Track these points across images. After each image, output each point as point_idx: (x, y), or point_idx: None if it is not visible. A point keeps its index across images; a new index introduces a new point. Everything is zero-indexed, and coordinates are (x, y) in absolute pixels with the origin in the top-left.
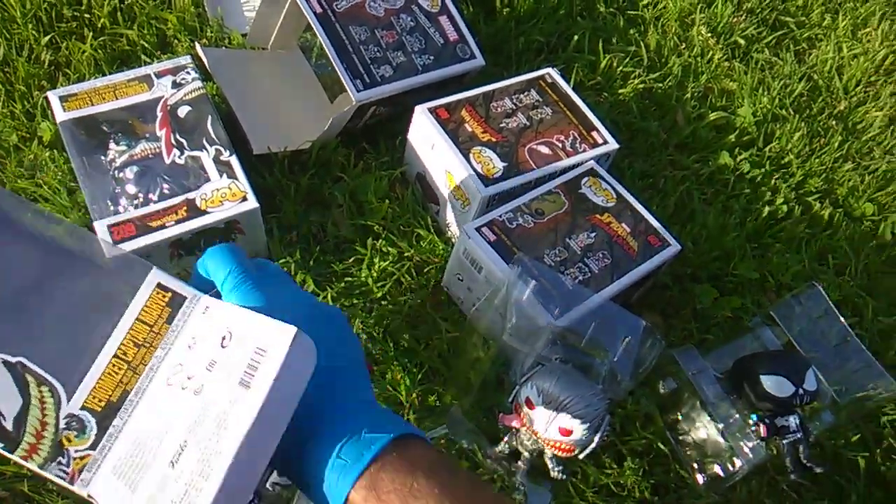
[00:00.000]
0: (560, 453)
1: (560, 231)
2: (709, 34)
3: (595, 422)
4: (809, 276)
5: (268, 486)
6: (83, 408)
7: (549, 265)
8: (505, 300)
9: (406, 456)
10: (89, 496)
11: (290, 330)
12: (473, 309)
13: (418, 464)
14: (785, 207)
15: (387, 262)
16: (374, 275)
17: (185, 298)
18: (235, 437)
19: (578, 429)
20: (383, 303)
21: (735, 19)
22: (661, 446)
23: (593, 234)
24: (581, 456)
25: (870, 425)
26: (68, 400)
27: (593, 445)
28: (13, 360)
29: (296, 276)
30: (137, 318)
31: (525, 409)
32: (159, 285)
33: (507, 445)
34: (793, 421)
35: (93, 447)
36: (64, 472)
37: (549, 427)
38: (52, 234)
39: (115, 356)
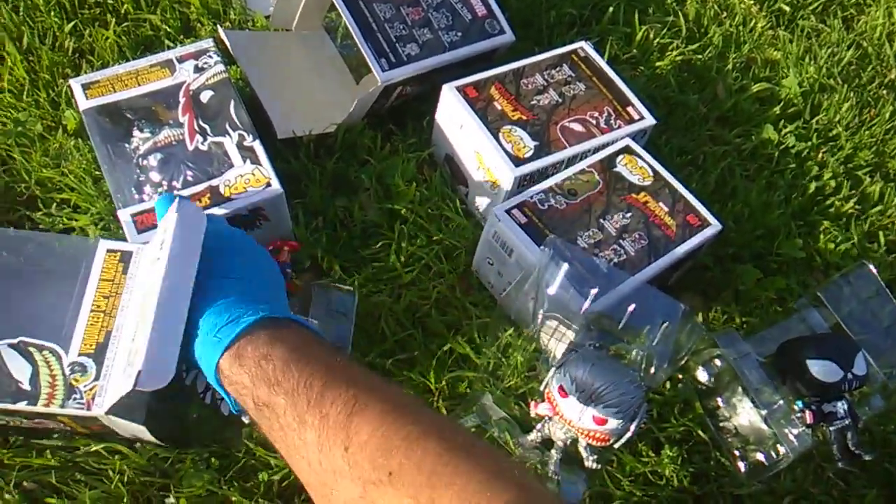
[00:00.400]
0: (594, 443)
1: (594, 212)
2: (751, 1)
3: (631, 410)
4: (859, 255)
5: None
6: (80, 354)
7: (583, 247)
8: (536, 285)
9: (272, 332)
10: (107, 413)
11: (175, 201)
12: (504, 294)
13: (281, 337)
14: (833, 183)
15: (415, 247)
16: (402, 259)
17: (131, 253)
18: (157, 281)
19: (613, 418)
20: (412, 288)
21: None
22: (701, 433)
23: (629, 215)
24: (617, 445)
25: None
26: (66, 353)
27: (629, 435)
28: (14, 341)
29: (322, 261)
30: (100, 279)
31: (558, 397)
32: (108, 250)
33: (539, 434)
34: (840, 407)
35: (97, 379)
36: (80, 404)
37: (583, 416)
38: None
39: (92, 310)
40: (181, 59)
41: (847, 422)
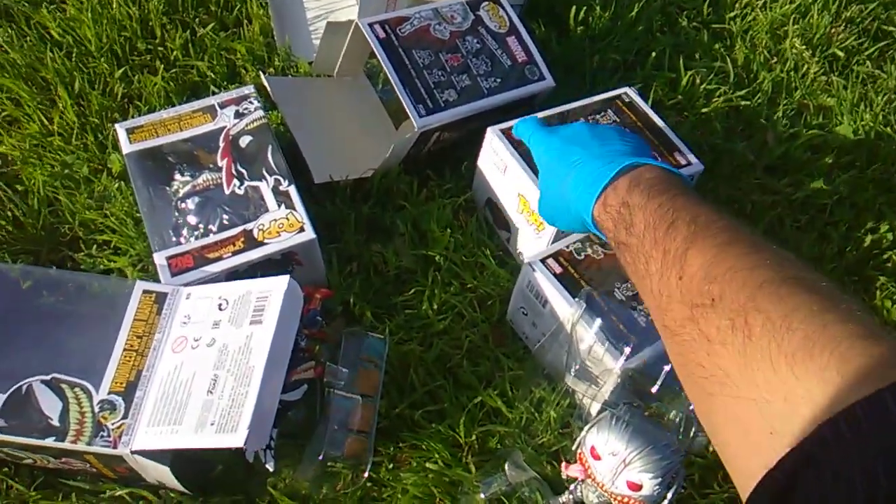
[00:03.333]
0: None
1: None
2: (803, 46)
3: (668, 476)
4: None
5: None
6: (110, 392)
7: (620, 300)
8: (569, 338)
9: (631, 180)
10: (132, 452)
11: (285, 278)
12: (538, 346)
13: (637, 183)
14: (890, 236)
15: (448, 294)
16: (435, 307)
17: (166, 294)
18: (262, 351)
19: (648, 483)
20: (443, 336)
21: (833, 30)
22: None
23: None
24: None
25: None
26: (97, 391)
27: (666, 503)
28: (48, 377)
29: (354, 307)
30: (134, 318)
31: (590, 458)
32: (144, 291)
33: (571, 496)
34: None
35: (125, 417)
36: (107, 441)
37: (617, 480)
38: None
39: (125, 349)
40: (223, 105)
41: None
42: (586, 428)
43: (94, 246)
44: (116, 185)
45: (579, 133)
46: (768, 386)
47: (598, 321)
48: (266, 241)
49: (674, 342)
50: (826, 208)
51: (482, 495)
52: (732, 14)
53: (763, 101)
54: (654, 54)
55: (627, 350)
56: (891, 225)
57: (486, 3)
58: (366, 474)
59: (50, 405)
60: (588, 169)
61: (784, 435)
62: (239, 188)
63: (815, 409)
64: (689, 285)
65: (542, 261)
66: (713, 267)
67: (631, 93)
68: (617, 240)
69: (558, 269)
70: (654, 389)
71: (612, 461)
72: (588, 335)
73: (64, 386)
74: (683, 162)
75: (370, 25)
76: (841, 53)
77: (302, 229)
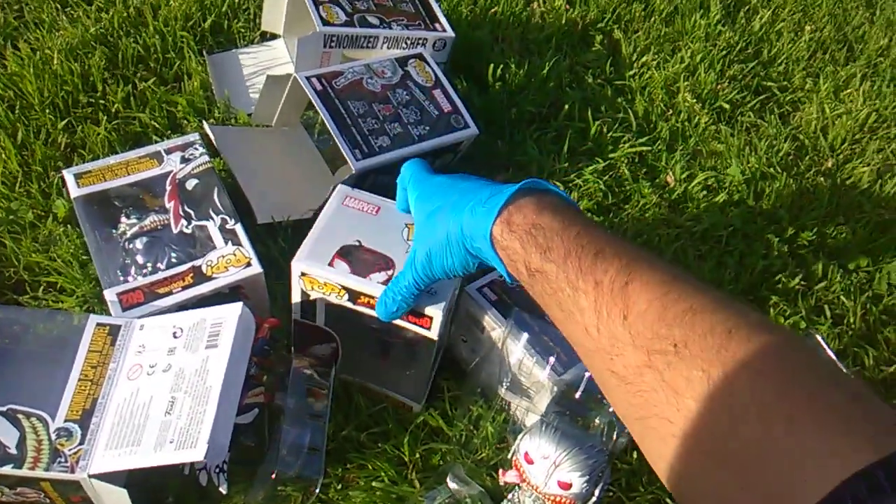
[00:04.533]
0: None
1: None
2: (694, 100)
3: (594, 475)
4: (807, 328)
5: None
6: (66, 420)
7: (549, 321)
8: (500, 355)
9: (538, 200)
10: (90, 475)
11: (238, 304)
12: (473, 364)
13: (547, 206)
14: (779, 261)
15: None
16: None
17: (120, 326)
18: (219, 371)
19: (577, 482)
20: None
21: (719, 86)
22: (669, 501)
23: None
24: None
25: None
26: (53, 419)
27: (594, 499)
28: (3, 408)
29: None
30: (88, 349)
31: (524, 463)
32: (98, 324)
33: (509, 503)
34: None
35: (81, 443)
36: (64, 467)
37: (549, 481)
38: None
39: (80, 379)
40: (169, 151)
41: None
42: (520, 436)
43: (41, 288)
44: (62, 230)
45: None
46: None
47: (525, 335)
48: (215, 275)
49: (626, 391)
50: (722, 239)
51: None
52: (631, 72)
53: (662, 147)
54: (566, 107)
55: (552, 360)
56: (778, 252)
57: (413, 59)
58: (316, 490)
59: (7, 435)
60: (484, 190)
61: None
62: (187, 227)
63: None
64: (640, 327)
65: (479, 289)
66: (667, 307)
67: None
68: (528, 264)
69: (493, 297)
70: (577, 395)
71: (544, 464)
72: (517, 349)
73: (20, 416)
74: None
75: (307, 79)
76: (727, 106)
77: (249, 264)
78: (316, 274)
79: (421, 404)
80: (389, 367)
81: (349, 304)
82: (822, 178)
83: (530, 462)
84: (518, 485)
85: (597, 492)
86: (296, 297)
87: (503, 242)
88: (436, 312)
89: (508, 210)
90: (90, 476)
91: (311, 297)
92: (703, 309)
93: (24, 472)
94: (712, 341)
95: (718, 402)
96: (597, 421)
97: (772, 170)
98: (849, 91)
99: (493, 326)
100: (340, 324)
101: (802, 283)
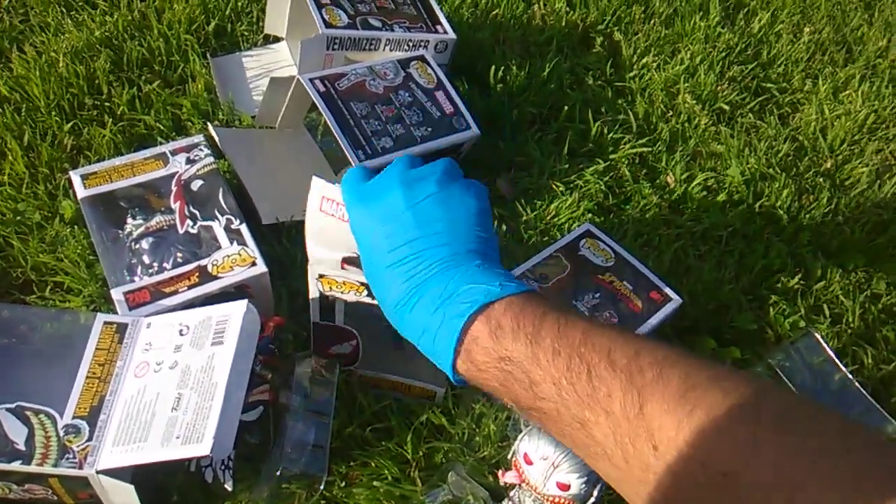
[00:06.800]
0: None
1: (566, 293)
2: (694, 101)
3: (593, 475)
4: (806, 327)
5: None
6: (74, 417)
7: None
8: None
9: (492, 326)
10: (98, 471)
11: (243, 301)
12: None
13: (506, 327)
14: (778, 261)
15: None
16: None
17: (127, 324)
18: (224, 367)
19: (576, 483)
20: None
21: (719, 87)
22: None
23: (598, 294)
24: None
25: None
26: (61, 416)
27: (593, 500)
28: (12, 405)
29: (308, 338)
30: (96, 348)
31: (523, 464)
32: (105, 322)
33: (511, 503)
34: None
35: (89, 439)
36: (73, 463)
37: (548, 482)
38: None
39: (87, 376)
40: (174, 153)
41: None
42: (519, 437)
43: (48, 288)
44: (69, 230)
45: (393, 209)
46: None
47: None
48: (220, 275)
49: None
50: (722, 239)
51: None
52: (632, 74)
53: (662, 148)
54: (566, 108)
55: None
56: (778, 251)
57: (415, 62)
58: (320, 488)
59: (15, 431)
60: (422, 305)
61: None
62: (192, 228)
63: None
64: (676, 457)
65: None
66: (699, 431)
67: (593, 229)
68: (520, 403)
69: None
70: None
71: (542, 465)
72: None
73: (28, 413)
74: (660, 298)
75: (311, 80)
76: (726, 107)
77: (254, 263)
78: (335, 275)
79: (444, 388)
80: (408, 357)
81: (368, 300)
82: (821, 179)
83: (529, 463)
84: (519, 485)
85: (595, 492)
86: (314, 298)
87: (479, 382)
88: None
89: (465, 348)
90: (98, 472)
91: (330, 298)
92: (740, 419)
93: (32, 468)
94: (767, 462)
95: None
96: None
97: (771, 170)
98: (848, 92)
99: None
100: (358, 320)
101: (801, 282)
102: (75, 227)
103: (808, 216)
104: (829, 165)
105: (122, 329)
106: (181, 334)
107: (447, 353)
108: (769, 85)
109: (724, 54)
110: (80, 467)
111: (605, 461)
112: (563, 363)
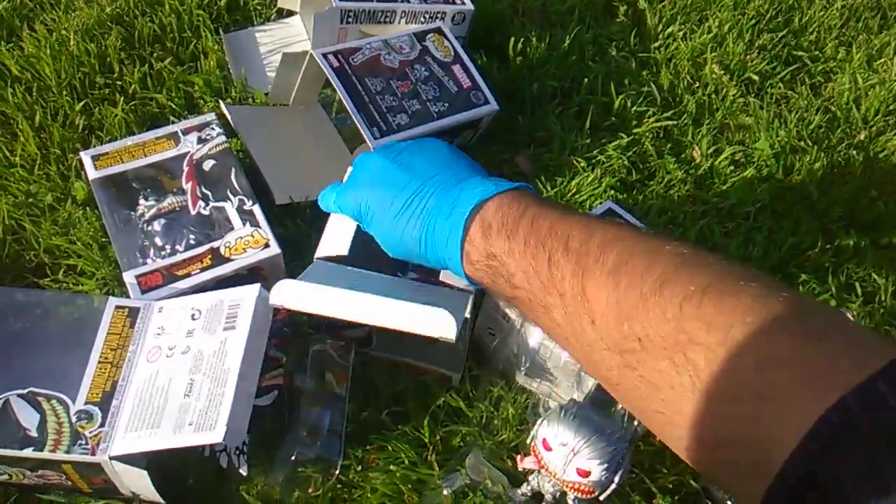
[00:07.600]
0: (581, 495)
1: None
2: (722, 72)
3: (614, 462)
4: (837, 306)
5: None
6: (86, 403)
7: None
8: (517, 340)
9: (481, 224)
10: (110, 457)
11: (256, 285)
12: (492, 346)
13: (493, 225)
14: (808, 237)
15: None
16: None
17: (139, 308)
18: (237, 353)
19: (596, 469)
20: None
21: (748, 57)
22: (693, 483)
23: None
24: (602, 497)
25: None
26: (74, 402)
27: (613, 486)
28: (24, 391)
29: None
30: (108, 332)
31: (542, 450)
32: (117, 307)
33: (529, 487)
34: None
35: (102, 425)
36: (85, 449)
37: (567, 468)
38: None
39: (100, 361)
40: (186, 132)
41: None
42: (538, 422)
43: (61, 271)
44: (81, 212)
45: (378, 172)
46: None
47: None
48: (233, 257)
49: (618, 392)
50: (749, 215)
51: (446, 491)
52: (656, 44)
53: (688, 121)
54: (587, 81)
55: None
56: (808, 228)
57: (432, 34)
58: (336, 472)
59: (28, 417)
60: (431, 226)
61: (773, 463)
62: (204, 209)
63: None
64: (607, 329)
65: None
66: (621, 302)
67: (616, 208)
68: (504, 295)
69: None
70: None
71: (562, 451)
72: (537, 331)
73: (41, 399)
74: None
75: (324, 55)
76: (756, 77)
77: (267, 245)
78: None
79: (459, 373)
80: (424, 340)
81: None
82: (854, 151)
83: (549, 449)
84: (538, 471)
85: (616, 479)
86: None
87: (477, 280)
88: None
89: (466, 250)
90: (111, 458)
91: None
92: (651, 290)
93: (45, 454)
94: (669, 327)
95: (690, 388)
96: (618, 406)
97: (802, 143)
98: (882, 60)
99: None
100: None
101: (833, 259)
102: (87, 208)
103: (840, 191)
104: (862, 137)
105: (133, 313)
106: (193, 319)
107: (455, 259)
108: (801, 53)
109: (753, 21)
110: (93, 453)
111: (569, 343)
112: (530, 253)
